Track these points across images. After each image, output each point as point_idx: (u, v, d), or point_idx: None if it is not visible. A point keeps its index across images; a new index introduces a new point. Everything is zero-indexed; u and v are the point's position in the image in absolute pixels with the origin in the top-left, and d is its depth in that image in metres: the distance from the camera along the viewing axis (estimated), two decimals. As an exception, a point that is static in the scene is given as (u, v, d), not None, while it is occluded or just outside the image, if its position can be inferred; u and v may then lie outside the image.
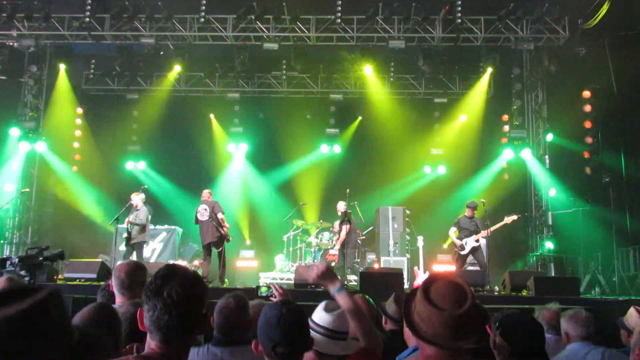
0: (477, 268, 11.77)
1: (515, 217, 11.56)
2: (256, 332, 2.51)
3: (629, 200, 13.55)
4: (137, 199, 11.59)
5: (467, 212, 11.78)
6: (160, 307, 1.91)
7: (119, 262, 3.71)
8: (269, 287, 4.23)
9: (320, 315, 2.85)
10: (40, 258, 4.96)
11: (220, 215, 11.28)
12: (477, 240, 11.56)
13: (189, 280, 1.96)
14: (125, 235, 11.33)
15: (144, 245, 11.67)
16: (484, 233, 11.36)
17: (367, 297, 4.06)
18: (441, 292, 2.11)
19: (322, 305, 2.96)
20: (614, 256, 12.88)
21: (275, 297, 4.21)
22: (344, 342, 2.78)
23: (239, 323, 3.41)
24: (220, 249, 11.29)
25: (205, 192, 11.88)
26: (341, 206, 12.49)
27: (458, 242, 11.65)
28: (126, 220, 11.23)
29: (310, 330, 2.77)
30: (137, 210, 11.48)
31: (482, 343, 3.69)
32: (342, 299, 2.85)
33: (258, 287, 4.38)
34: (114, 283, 3.65)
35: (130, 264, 3.82)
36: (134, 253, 11.31)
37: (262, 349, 2.45)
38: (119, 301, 3.61)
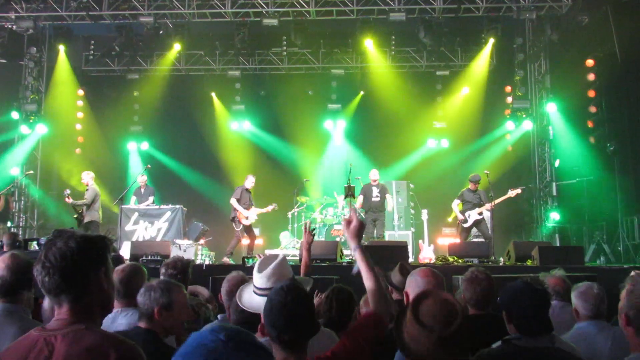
0: (482, 239, 11.79)
1: (519, 190, 11.56)
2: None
3: (633, 169, 13.48)
4: (87, 177, 11.80)
5: (471, 186, 11.75)
6: (40, 270, 1.91)
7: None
8: (254, 258, 4.28)
9: (259, 280, 2.98)
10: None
11: (231, 200, 11.88)
12: (481, 213, 11.55)
13: (70, 241, 1.93)
14: (75, 215, 11.45)
15: (97, 225, 11.70)
16: (487, 206, 11.34)
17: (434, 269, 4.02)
18: (430, 311, 2.08)
19: (255, 268, 3.04)
20: (619, 225, 12.86)
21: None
22: None
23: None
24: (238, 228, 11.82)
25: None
26: (373, 174, 12.35)
27: (461, 216, 11.66)
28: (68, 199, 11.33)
29: (257, 295, 2.88)
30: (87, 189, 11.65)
31: (481, 310, 3.73)
32: (359, 257, 2.83)
33: (245, 258, 4.43)
34: None
35: (126, 269, 3.71)
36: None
37: (268, 334, 2.44)
38: (116, 306, 3.55)
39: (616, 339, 3.68)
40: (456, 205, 11.83)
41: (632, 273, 4.36)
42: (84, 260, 1.94)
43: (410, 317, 2.10)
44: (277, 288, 2.50)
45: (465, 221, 11.61)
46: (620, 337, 3.69)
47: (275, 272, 3.00)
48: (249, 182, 12.07)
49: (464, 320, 2.08)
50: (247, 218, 11.82)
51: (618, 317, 2.84)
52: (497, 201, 11.30)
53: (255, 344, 1.75)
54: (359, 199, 12.27)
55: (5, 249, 7.79)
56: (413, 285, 3.43)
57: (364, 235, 12.56)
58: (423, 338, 2.04)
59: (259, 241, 14.57)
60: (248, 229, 11.97)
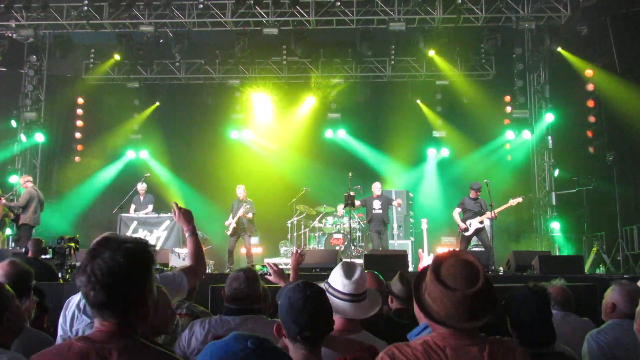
0: (481, 249, 11.76)
1: (520, 199, 11.51)
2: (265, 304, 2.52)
3: (632, 179, 13.51)
4: (22, 181, 12.09)
5: (472, 194, 11.69)
6: (85, 283, 1.86)
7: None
8: (263, 266, 4.32)
9: (341, 282, 3.00)
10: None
11: None
12: (482, 222, 11.50)
13: (117, 255, 1.87)
14: (12, 217, 11.56)
15: (29, 229, 11.68)
16: (488, 214, 11.28)
17: (376, 272, 4.05)
18: (452, 271, 2.05)
19: (339, 271, 3.07)
20: (619, 235, 12.86)
21: (270, 274, 4.39)
22: (366, 302, 3.00)
23: (248, 293, 3.53)
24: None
25: None
26: (376, 187, 12.56)
27: (462, 224, 11.57)
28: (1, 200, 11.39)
29: (331, 296, 2.88)
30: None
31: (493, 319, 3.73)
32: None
33: (252, 266, 4.46)
34: None
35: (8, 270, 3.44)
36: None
37: (286, 333, 2.42)
38: None
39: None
40: (457, 213, 11.77)
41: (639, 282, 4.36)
42: (131, 277, 1.90)
43: (432, 278, 2.06)
44: (294, 286, 2.50)
45: (467, 230, 11.52)
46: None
47: (364, 278, 3.09)
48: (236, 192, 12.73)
49: (486, 281, 2.05)
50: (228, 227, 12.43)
51: (634, 323, 2.89)
52: (497, 210, 11.27)
53: (279, 350, 1.75)
54: (357, 202, 12.45)
55: (30, 254, 7.79)
56: None
57: (362, 245, 12.67)
58: (446, 298, 2.01)
59: (258, 249, 14.57)
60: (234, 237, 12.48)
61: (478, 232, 11.53)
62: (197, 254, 3.61)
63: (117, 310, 1.89)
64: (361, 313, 2.94)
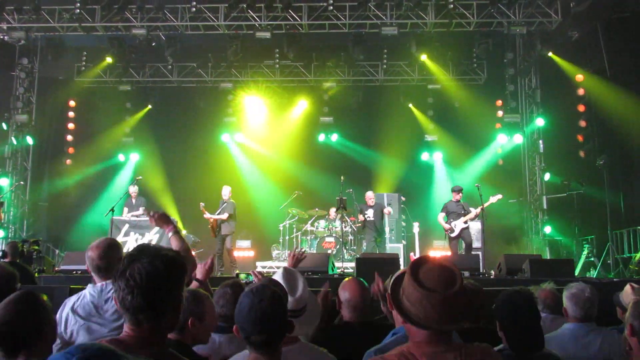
0: (472, 253, 11.85)
1: (500, 196, 11.68)
2: None
3: (622, 183, 13.60)
4: None
5: (454, 197, 12.02)
6: (123, 287, 1.89)
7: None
8: (248, 274, 4.28)
9: (291, 304, 2.92)
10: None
11: None
12: (466, 222, 11.78)
13: (156, 261, 1.91)
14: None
15: None
16: (471, 215, 11.65)
17: (361, 279, 3.94)
18: (430, 274, 2.06)
19: (281, 285, 2.97)
20: (609, 238, 12.93)
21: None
22: (302, 319, 2.94)
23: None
24: None
25: None
26: (368, 197, 12.84)
27: (447, 225, 11.86)
28: None
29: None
30: None
31: (472, 324, 3.75)
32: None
33: (237, 274, 4.43)
34: (89, 266, 3.51)
35: (101, 244, 3.58)
36: None
37: (240, 336, 2.43)
38: (98, 282, 3.51)
39: (605, 342, 3.75)
40: (441, 218, 12.06)
41: (627, 286, 4.39)
42: (168, 283, 1.94)
43: (411, 282, 2.06)
44: (247, 290, 2.50)
45: (452, 231, 11.78)
46: (610, 344, 3.73)
47: (306, 292, 3.04)
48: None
49: (463, 284, 2.07)
50: None
51: (625, 328, 2.88)
52: (478, 210, 11.53)
53: None
54: (359, 217, 12.84)
55: (8, 258, 7.77)
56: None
57: (354, 249, 12.71)
58: (425, 301, 2.01)
59: (249, 253, 14.55)
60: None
61: (463, 231, 11.80)
62: (184, 251, 3.63)
63: (152, 315, 1.92)
64: (296, 330, 2.63)
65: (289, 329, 2.48)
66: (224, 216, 12.66)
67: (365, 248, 13.13)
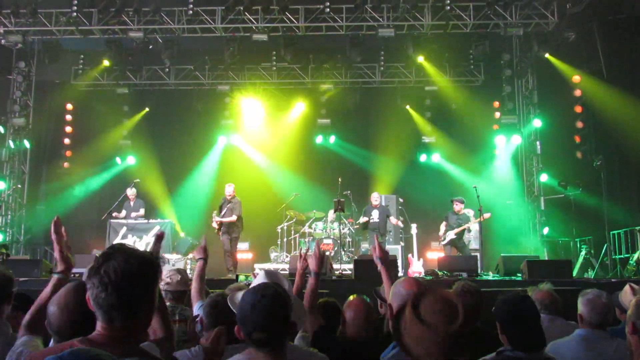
0: (474, 253, 11.98)
1: (488, 214, 11.89)
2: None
3: (619, 184, 13.63)
4: None
5: (455, 207, 12.33)
6: (97, 284, 1.89)
7: None
8: (247, 276, 4.28)
9: None
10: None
11: None
12: (456, 234, 12.17)
13: (130, 259, 1.92)
14: None
15: None
16: (458, 229, 12.15)
17: (364, 297, 3.82)
18: (432, 308, 2.03)
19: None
20: (606, 239, 12.95)
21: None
22: None
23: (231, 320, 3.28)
24: None
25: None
26: (374, 197, 12.99)
27: (440, 233, 12.43)
28: None
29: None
30: None
31: (470, 325, 3.75)
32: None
33: (237, 276, 4.43)
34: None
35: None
36: None
37: (243, 334, 2.43)
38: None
39: (619, 350, 3.66)
40: (443, 227, 12.50)
41: (626, 286, 4.40)
42: (143, 281, 1.94)
43: (412, 318, 2.03)
44: (252, 288, 2.52)
45: (444, 239, 12.28)
46: (624, 348, 3.70)
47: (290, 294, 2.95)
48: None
49: (465, 316, 2.03)
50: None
51: (626, 326, 2.84)
52: (465, 227, 12.21)
53: None
54: (361, 218, 12.96)
55: None
56: (397, 297, 3.36)
57: (352, 250, 12.74)
58: (428, 337, 1.98)
59: (248, 255, 14.55)
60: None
61: (452, 241, 12.22)
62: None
63: (126, 313, 1.92)
64: None
65: (291, 328, 2.48)
66: (233, 218, 12.06)
67: (364, 250, 13.14)
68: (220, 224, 12.06)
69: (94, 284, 1.90)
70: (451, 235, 12.08)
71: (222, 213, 12.11)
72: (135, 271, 1.91)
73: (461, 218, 12.26)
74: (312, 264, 4.05)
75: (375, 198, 12.96)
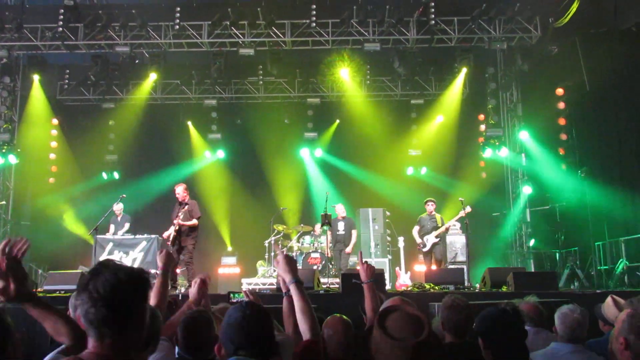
0: (457, 267, 11.90)
1: (469, 209, 11.64)
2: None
3: (604, 196, 13.73)
4: None
5: (427, 209, 12.29)
6: (86, 300, 1.87)
7: None
8: (240, 294, 4.23)
9: None
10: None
11: None
12: (438, 237, 11.96)
13: (119, 274, 1.91)
14: None
15: None
16: (442, 229, 11.92)
17: (344, 317, 3.73)
18: (398, 323, 2.10)
19: None
20: (592, 250, 13.05)
21: None
22: None
23: (206, 340, 3.23)
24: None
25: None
26: (340, 209, 12.99)
27: (419, 240, 12.11)
28: None
29: None
30: None
31: (459, 338, 3.78)
32: (294, 290, 3.07)
33: (230, 293, 4.37)
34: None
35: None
36: None
37: (225, 353, 2.41)
38: None
39: None
40: (416, 232, 12.29)
41: (608, 298, 4.44)
42: (132, 294, 1.93)
43: (380, 334, 2.09)
44: (236, 305, 2.51)
45: (424, 246, 12.00)
46: None
47: None
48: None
49: (431, 329, 2.10)
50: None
51: (614, 341, 2.71)
52: (448, 225, 11.97)
53: None
54: (353, 236, 12.97)
55: None
56: None
57: (332, 265, 12.72)
58: (396, 351, 2.03)
59: (235, 269, 14.49)
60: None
61: (434, 246, 11.98)
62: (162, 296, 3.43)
63: (116, 328, 1.90)
64: None
65: (274, 347, 2.47)
66: (194, 222, 10.54)
67: (352, 263, 13.13)
68: (178, 230, 10.35)
69: (83, 300, 1.89)
70: (432, 239, 11.91)
71: (180, 218, 10.34)
72: (124, 285, 1.90)
73: (434, 219, 12.15)
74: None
75: (340, 209, 13.02)
